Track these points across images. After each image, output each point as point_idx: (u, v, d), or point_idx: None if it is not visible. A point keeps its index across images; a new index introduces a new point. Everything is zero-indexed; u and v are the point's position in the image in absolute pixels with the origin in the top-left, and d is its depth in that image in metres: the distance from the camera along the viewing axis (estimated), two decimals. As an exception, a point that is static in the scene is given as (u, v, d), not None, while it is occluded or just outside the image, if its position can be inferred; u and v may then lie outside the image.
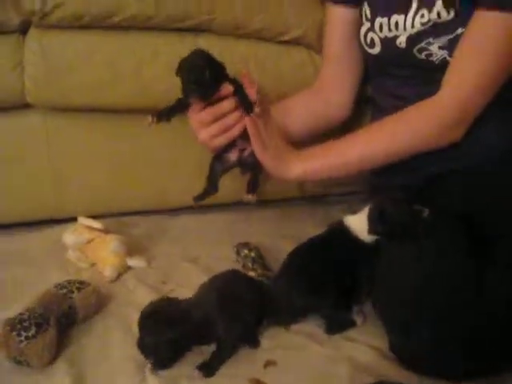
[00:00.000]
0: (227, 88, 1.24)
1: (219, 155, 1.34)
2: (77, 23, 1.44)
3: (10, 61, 1.47)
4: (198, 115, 1.26)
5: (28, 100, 1.51)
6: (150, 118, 1.24)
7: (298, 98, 1.50)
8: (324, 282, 1.23)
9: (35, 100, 1.51)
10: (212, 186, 1.35)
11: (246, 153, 1.32)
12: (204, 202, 1.36)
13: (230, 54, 1.49)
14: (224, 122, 1.26)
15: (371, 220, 1.22)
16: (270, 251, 1.52)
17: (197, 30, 1.51)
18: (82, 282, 1.28)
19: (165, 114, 1.26)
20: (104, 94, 1.51)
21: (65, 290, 1.23)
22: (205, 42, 1.50)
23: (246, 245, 1.50)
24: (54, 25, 1.44)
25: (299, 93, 1.51)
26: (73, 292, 1.23)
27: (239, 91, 1.24)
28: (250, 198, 1.31)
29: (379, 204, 1.22)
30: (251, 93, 1.24)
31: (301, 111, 1.47)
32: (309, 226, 1.63)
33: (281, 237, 1.62)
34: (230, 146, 1.31)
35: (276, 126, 1.33)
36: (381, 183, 1.49)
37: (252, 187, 1.33)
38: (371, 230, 1.22)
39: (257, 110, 1.23)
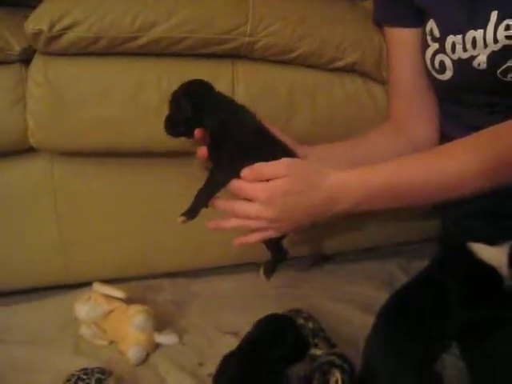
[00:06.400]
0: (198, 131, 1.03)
1: None
2: (91, 48, 1.20)
3: (9, 96, 1.24)
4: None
5: (31, 143, 1.26)
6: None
7: (376, 134, 1.27)
8: None
9: (40, 142, 1.27)
10: (278, 251, 1.14)
11: None
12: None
13: (273, 83, 1.29)
14: None
15: None
16: (327, 320, 1.28)
17: (234, 55, 1.28)
18: (102, 372, 1.06)
19: None
20: (123, 135, 1.27)
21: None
22: (244, 70, 1.28)
23: (299, 312, 1.25)
24: (63, 51, 1.21)
25: (376, 129, 1.28)
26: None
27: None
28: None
29: None
30: None
31: (384, 149, 1.23)
32: (365, 286, 1.44)
33: (336, 300, 1.39)
34: None
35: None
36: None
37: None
38: None
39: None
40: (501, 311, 1.01)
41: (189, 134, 1.04)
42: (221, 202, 1.04)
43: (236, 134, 1.02)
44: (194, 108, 1.02)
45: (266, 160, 0.99)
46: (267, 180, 0.99)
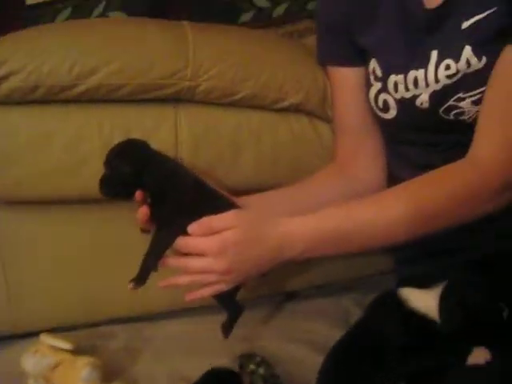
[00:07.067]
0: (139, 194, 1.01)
1: None
2: (29, 97, 1.18)
3: None
4: None
5: (-30, 193, 1.24)
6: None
7: (320, 177, 1.27)
8: None
9: (-21, 193, 1.25)
10: (232, 307, 1.12)
11: None
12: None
13: (217, 125, 1.29)
14: None
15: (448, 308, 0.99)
16: (281, 362, 1.25)
17: (175, 99, 1.27)
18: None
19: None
20: (65, 183, 1.25)
21: None
22: (186, 113, 1.27)
23: (251, 357, 1.22)
24: (1, 100, 1.19)
25: (320, 172, 1.28)
26: None
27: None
28: None
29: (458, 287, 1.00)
30: None
31: (326, 193, 1.23)
32: (320, 324, 1.41)
33: (288, 341, 1.35)
34: None
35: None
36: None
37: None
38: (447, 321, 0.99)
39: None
40: (442, 356, 1.00)
41: (127, 195, 1.02)
42: (172, 261, 1.02)
43: (176, 191, 1.00)
44: (132, 169, 1.00)
45: (209, 214, 0.98)
46: (215, 233, 0.98)
